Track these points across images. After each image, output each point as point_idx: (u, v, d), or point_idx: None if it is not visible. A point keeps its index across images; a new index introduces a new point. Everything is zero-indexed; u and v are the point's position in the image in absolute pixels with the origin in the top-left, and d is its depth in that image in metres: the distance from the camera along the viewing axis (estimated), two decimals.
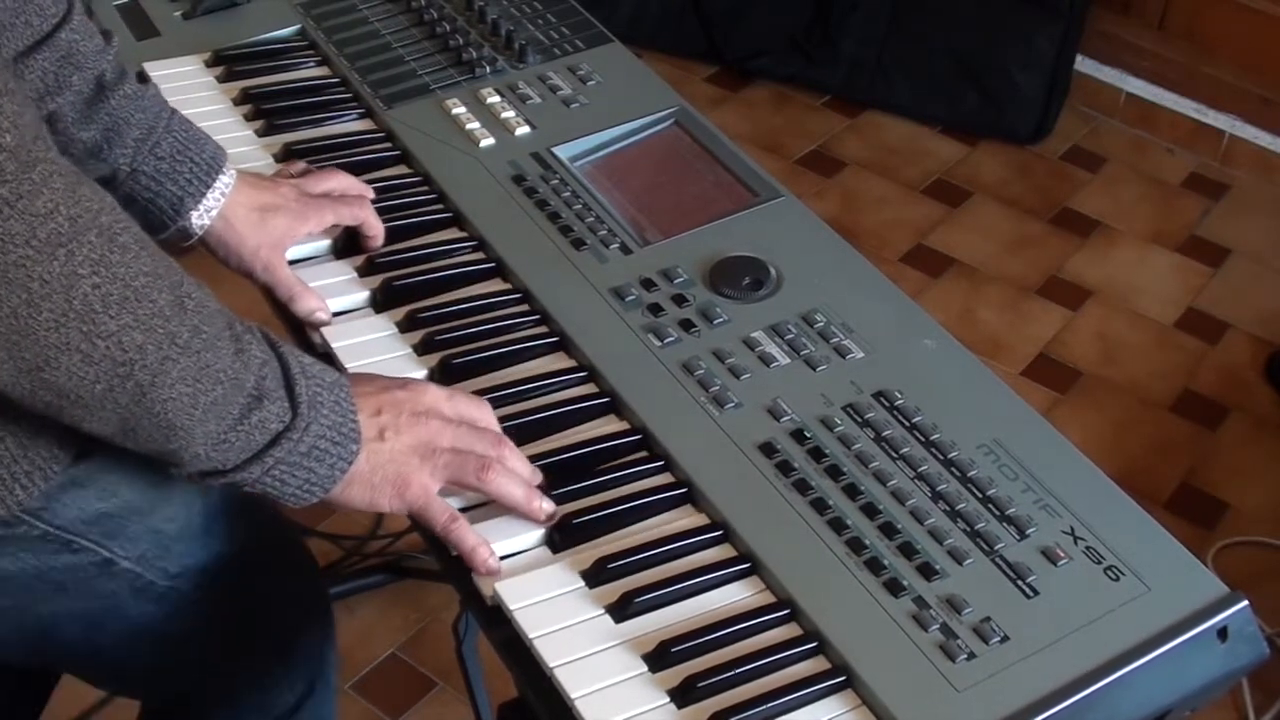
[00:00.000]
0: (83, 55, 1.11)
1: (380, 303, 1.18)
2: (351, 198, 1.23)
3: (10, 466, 0.96)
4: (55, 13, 1.10)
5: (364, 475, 0.99)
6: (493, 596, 0.97)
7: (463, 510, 1.03)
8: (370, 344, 1.15)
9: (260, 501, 1.20)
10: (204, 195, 1.16)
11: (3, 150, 0.77)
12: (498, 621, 0.97)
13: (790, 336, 1.13)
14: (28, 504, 0.99)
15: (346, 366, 1.12)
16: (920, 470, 1.03)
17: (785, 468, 1.03)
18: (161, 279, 0.87)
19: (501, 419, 1.07)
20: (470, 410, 1.04)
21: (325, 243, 1.23)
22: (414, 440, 1.00)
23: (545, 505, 1.01)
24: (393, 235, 1.24)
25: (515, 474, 1.02)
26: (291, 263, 1.20)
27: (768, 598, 0.97)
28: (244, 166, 1.29)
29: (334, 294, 1.18)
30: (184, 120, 1.19)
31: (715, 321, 1.15)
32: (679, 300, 1.16)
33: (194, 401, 0.89)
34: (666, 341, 1.13)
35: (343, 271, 1.21)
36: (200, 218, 1.16)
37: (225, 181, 1.17)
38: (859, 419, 1.07)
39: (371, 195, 1.25)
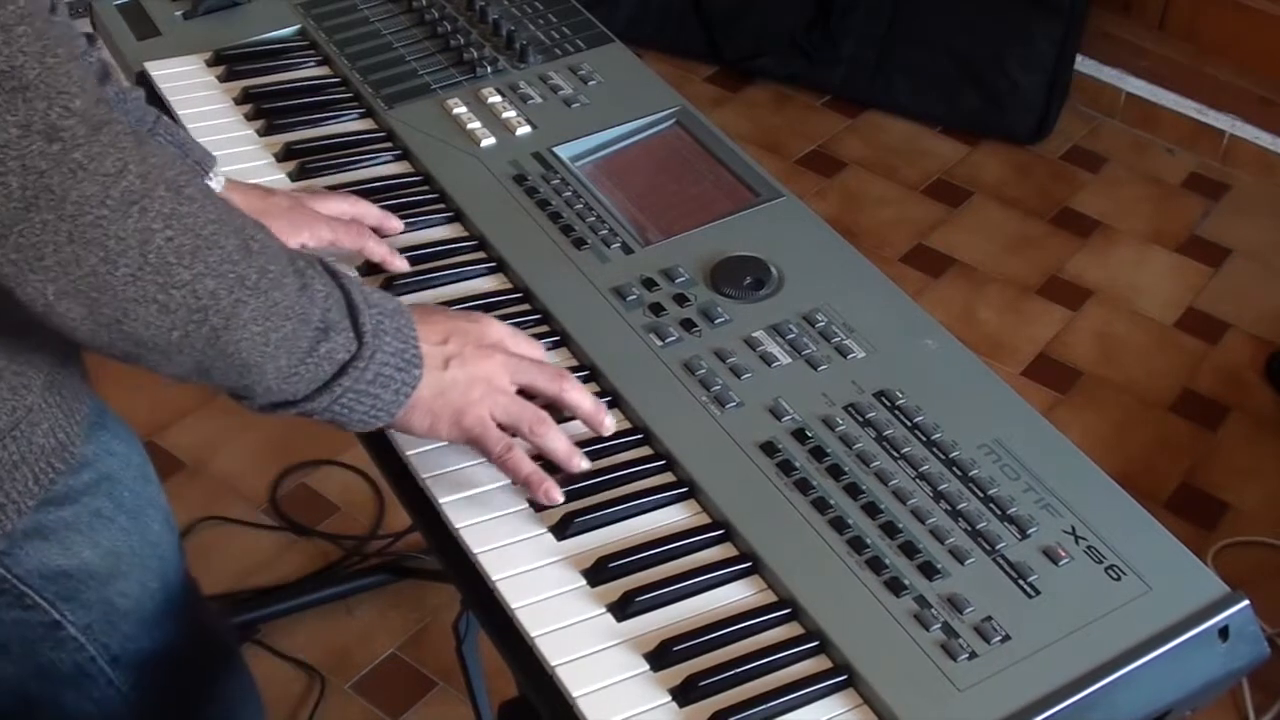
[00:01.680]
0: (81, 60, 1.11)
1: None
2: (351, 223, 1.21)
3: None
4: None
5: (425, 401, 1.01)
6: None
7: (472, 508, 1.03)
8: None
9: (204, 602, 1.23)
10: None
11: (73, 114, 0.79)
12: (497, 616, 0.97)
13: (791, 336, 1.13)
14: None
15: None
16: (921, 470, 1.03)
17: (787, 467, 1.03)
18: (227, 225, 0.88)
19: None
20: (533, 349, 1.07)
21: (353, 270, 1.21)
22: (479, 372, 1.02)
23: (583, 463, 1.04)
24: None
25: (579, 407, 1.05)
26: None
27: (769, 597, 0.97)
28: (245, 166, 1.29)
29: None
30: (170, 125, 1.18)
31: (716, 321, 1.15)
32: (680, 300, 1.16)
33: (265, 339, 0.90)
34: (668, 341, 1.13)
35: None
36: None
37: (213, 187, 1.17)
38: (860, 418, 1.07)
39: (394, 224, 1.23)
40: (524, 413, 1.03)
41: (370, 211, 1.23)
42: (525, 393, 1.05)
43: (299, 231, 1.18)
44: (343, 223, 1.20)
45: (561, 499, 1.01)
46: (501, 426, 1.03)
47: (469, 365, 1.02)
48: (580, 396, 1.06)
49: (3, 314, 0.89)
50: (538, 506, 1.03)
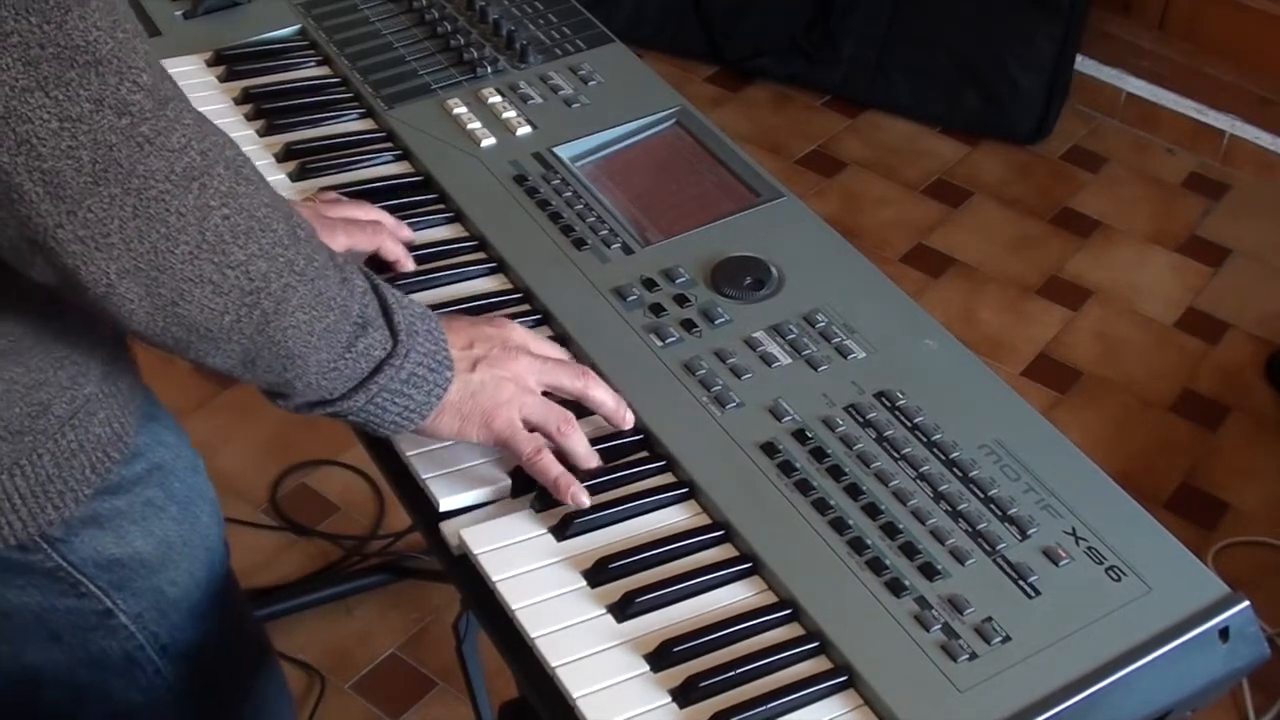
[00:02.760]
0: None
1: None
2: (366, 223, 1.21)
3: (45, 485, 0.97)
4: None
5: (455, 404, 1.01)
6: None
7: (471, 509, 1.04)
8: None
9: (243, 599, 1.24)
10: None
11: (141, 89, 0.79)
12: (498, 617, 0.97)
13: (792, 336, 1.13)
14: (50, 532, 0.99)
15: None
16: (922, 470, 1.03)
17: (787, 468, 1.03)
18: (278, 209, 0.89)
19: None
20: (555, 349, 1.09)
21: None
22: (506, 374, 1.03)
23: (595, 461, 1.05)
24: None
25: (602, 404, 1.06)
26: None
27: (769, 597, 0.97)
28: None
29: None
30: None
31: (717, 321, 1.15)
32: (680, 300, 1.16)
33: (310, 328, 0.91)
34: (668, 341, 1.13)
35: None
36: None
37: None
38: (860, 419, 1.07)
39: (406, 234, 1.23)
40: (551, 413, 1.04)
41: (387, 219, 1.23)
42: (547, 393, 1.06)
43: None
44: (359, 225, 1.20)
45: (588, 503, 1.01)
46: (529, 427, 1.04)
47: (496, 367, 1.03)
48: (604, 394, 1.07)
49: (62, 304, 0.89)
50: (538, 507, 1.03)
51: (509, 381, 1.03)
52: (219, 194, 0.84)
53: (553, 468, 1.02)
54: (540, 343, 1.08)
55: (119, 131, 0.78)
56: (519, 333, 1.07)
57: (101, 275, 0.82)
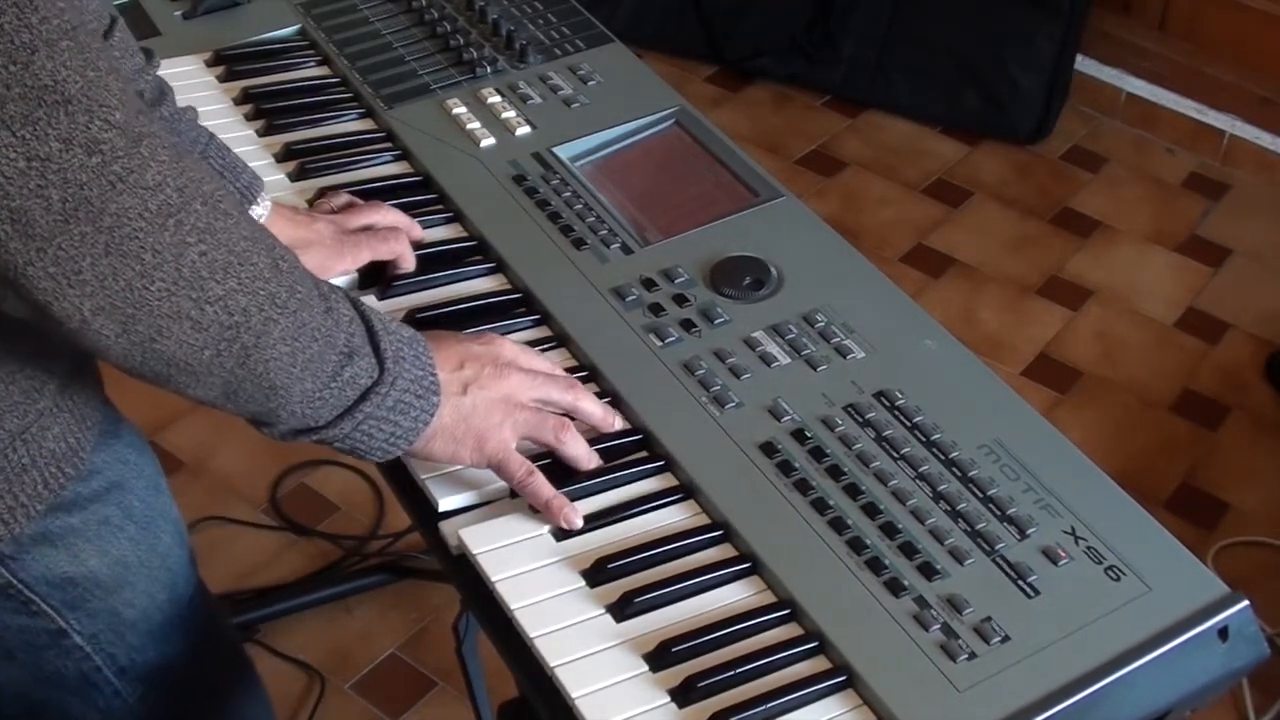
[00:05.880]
0: (121, 74, 1.09)
1: None
2: (387, 231, 1.21)
3: None
4: (96, 29, 1.08)
5: (447, 428, 1.01)
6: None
7: (470, 508, 1.04)
8: None
9: (216, 615, 1.21)
10: None
11: (113, 127, 0.78)
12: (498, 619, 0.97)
13: (791, 336, 1.13)
14: (0, 548, 0.98)
15: None
16: (921, 470, 1.03)
17: (786, 467, 1.03)
18: (259, 242, 0.88)
19: None
20: (544, 363, 1.08)
21: (353, 275, 1.21)
22: (497, 394, 1.02)
23: (597, 461, 1.05)
24: None
25: (591, 415, 1.06)
26: None
27: (768, 597, 0.97)
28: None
29: None
30: (222, 147, 1.17)
31: (716, 321, 1.15)
32: (680, 300, 1.16)
33: (293, 360, 0.90)
34: (667, 341, 1.13)
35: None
36: None
37: (258, 213, 1.16)
38: (860, 419, 1.07)
39: (418, 233, 1.23)
40: (545, 422, 1.04)
41: (403, 219, 1.23)
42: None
43: (342, 258, 1.18)
44: (380, 236, 1.20)
45: (581, 524, 1.01)
46: (526, 439, 1.04)
47: (487, 388, 1.02)
48: (592, 406, 1.07)
49: (23, 321, 0.88)
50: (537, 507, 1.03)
51: (500, 402, 1.02)
52: (196, 230, 0.83)
53: (544, 490, 1.01)
54: (530, 357, 1.07)
55: (90, 170, 0.78)
56: (508, 349, 1.06)
57: (74, 311, 0.81)
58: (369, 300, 1.19)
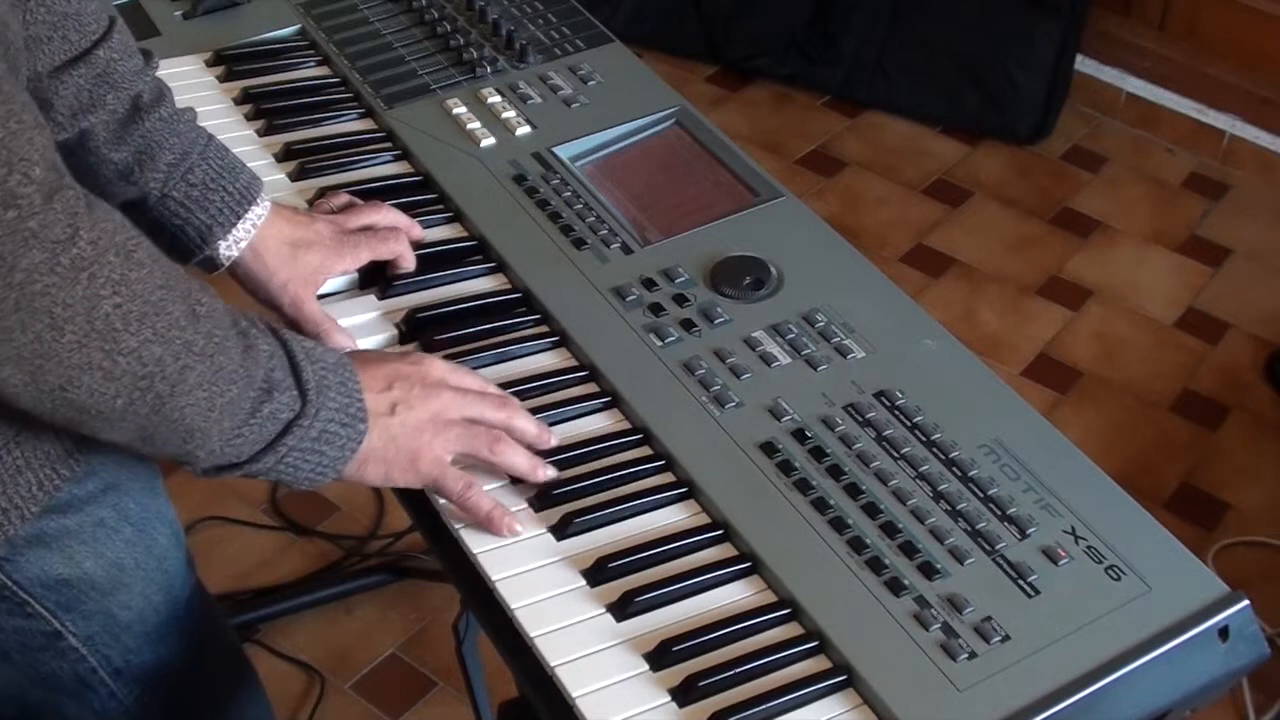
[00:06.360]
0: (120, 75, 1.09)
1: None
2: (387, 231, 1.20)
3: None
4: (95, 30, 1.08)
5: (378, 452, 1.00)
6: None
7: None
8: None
9: (214, 616, 1.21)
10: (234, 225, 1.14)
11: (31, 183, 0.78)
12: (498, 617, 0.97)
13: (791, 336, 1.13)
14: None
15: None
16: (921, 470, 1.03)
17: (786, 467, 1.03)
18: (175, 289, 0.87)
19: None
20: (476, 381, 1.07)
21: (353, 275, 1.21)
22: (426, 414, 1.02)
23: (548, 472, 1.03)
24: None
25: (525, 433, 1.04)
26: (320, 297, 1.17)
27: (769, 597, 0.97)
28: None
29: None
30: (220, 148, 1.17)
31: (716, 321, 1.15)
32: (680, 300, 1.16)
33: (210, 404, 0.90)
34: (667, 341, 1.13)
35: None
36: (228, 248, 1.14)
37: (257, 213, 1.16)
38: (860, 419, 1.07)
39: (418, 233, 1.23)
40: (478, 437, 1.03)
41: (402, 219, 1.23)
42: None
43: (341, 258, 1.17)
44: (379, 236, 1.20)
45: (521, 531, 1.00)
46: (462, 455, 1.03)
47: (415, 408, 1.01)
48: (526, 422, 1.05)
49: None
50: (537, 506, 1.03)
51: (429, 421, 1.01)
52: (110, 282, 0.82)
53: (483, 504, 1.01)
54: (461, 375, 1.06)
55: (4, 225, 0.77)
56: (438, 367, 1.05)
57: None
58: (369, 300, 1.19)
